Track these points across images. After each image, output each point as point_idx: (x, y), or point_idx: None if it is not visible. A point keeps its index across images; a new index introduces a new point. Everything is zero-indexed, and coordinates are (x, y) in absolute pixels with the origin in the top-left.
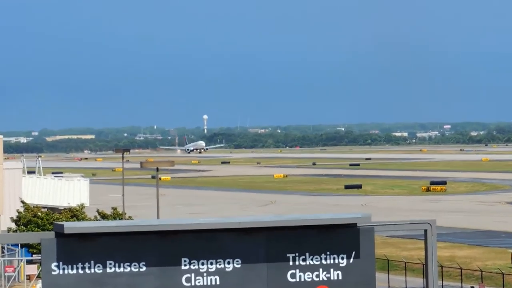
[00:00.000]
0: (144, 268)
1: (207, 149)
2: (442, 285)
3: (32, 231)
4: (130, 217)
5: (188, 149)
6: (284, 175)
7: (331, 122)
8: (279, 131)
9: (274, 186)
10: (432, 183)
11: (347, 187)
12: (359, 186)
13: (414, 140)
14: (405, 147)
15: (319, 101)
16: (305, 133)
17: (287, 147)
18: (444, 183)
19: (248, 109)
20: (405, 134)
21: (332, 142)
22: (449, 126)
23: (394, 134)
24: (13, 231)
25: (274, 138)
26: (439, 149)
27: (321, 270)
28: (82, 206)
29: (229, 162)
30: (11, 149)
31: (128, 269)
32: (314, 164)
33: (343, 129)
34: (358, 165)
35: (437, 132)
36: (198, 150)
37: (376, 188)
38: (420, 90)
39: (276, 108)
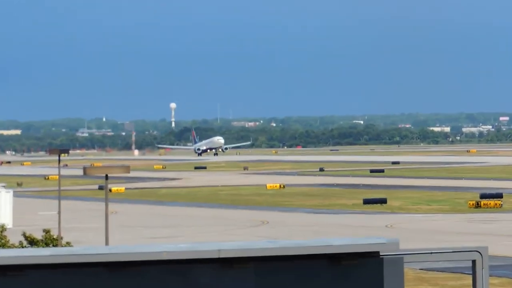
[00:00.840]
0: None
1: (226, 148)
2: None
3: None
4: (68, 243)
5: (198, 149)
6: (280, 185)
7: (345, 113)
8: (274, 124)
9: (267, 200)
10: (484, 196)
11: (366, 201)
12: (383, 201)
13: (458, 137)
14: (447, 146)
15: (328, 86)
16: (309, 127)
17: (285, 147)
18: (499, 196)
19: (232, 95)
20: (447, 129)
21: (346, 140)
22: (506, 119)
23: (431, 129)
24: None
25: (267, 134)
26: (493, 149)
27: None
28: (2, 228)
29: (205, 168)
30: None
31: None
32: (321, 170)
33: (361, 122)
34: (382, 171)
35: (491, 127)
36: (214, 150)
37: (406, 204)
38: (466, 71)
39: (270, 95)
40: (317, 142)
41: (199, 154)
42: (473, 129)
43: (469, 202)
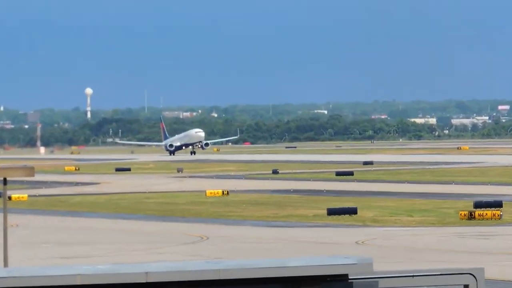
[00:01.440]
0: None
1: (207, 144)
2: None
3: None
4: None
5: (170, 146)
6: (224, 192)
7: (304, 101)
8: (215, 115)
9: (206, 210)
10: (479, 205)
11: (332, 212)
12: (353, 211)
13: (447, 131)
14: (432, 142)
15: (283, 68)
16: (260, 118)
17: (229, 143)
18: (498, 205)
19: (163, 80)
20: (432, 120)
21: (306, 135)
22: (506, 107)
23: (412, 120)
24: None
25: (207, 126)
26: (490, 146)
27: None
28: None
29: (129, 169)
30: None
31: None
32: (275, 172)
33: (325, 112)
34: (351, 173)
35: (487, 118)
36: (191, 147)
37: (381, 214)
38: (455, 50)
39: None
40: (269, 137)
41: (172, 153)
42: (465, 121)
43: (461, 212)
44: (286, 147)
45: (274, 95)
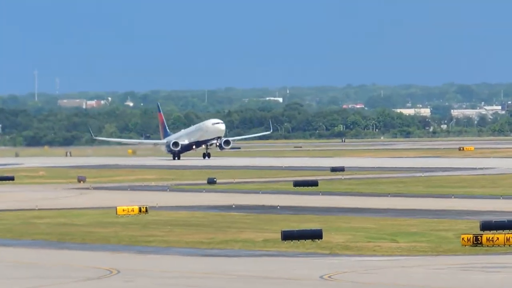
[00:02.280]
0: None
1: (227, 143)
2: None
3: None
4: None
5: (174, 144)
6: (141, 209)
7: (253, 85)
8: (131, 103)
9: (117, 234)
10: (487, 226)
11: (288, 235)
12: (317, 234)
13: (445, 125)
14: (425, 141)
15: (222, 43)
16: (192, 108)
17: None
18: None
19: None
20: (425, 111)
21: (255, 130)
22: None
23: (398, 111)
24: None
25: (120, 120)
26: (502, 147)
27: None
28: None
29: (12, 178)
30: None
31: None
32: (212, 181)
33: (280, 99)
34: (314, 183)
35: (500, 107)
36: (205, 146)
37: (355, 238)
38: (456, 19)
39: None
40: None
41: (176, 155)
42: (470, 112)
43: (463, 236)
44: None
45: (211, 78)
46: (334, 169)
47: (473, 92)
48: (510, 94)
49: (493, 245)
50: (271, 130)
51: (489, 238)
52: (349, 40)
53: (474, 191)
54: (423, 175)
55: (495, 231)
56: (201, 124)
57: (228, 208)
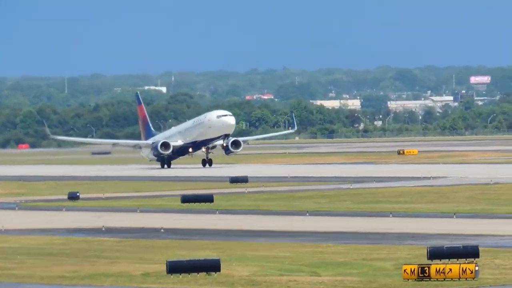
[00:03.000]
0: None
1: (236, 143)
2: None
3: None
4: None
5: (161, 146)
6: None
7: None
8: None
9: None
10: (436, 254)
11: (175, 267)
12: (213, 265)
13: (379, 121)
14: (353, 142)
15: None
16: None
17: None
18: (470, 253)
19: None
20: (354, 103)
21: (129, 130)
22: (486, 80)
23: (318, 103)
24: None
25: None
26: (457, 149)
27: None
28: None
29: None
30: None
31: None
32: (74, 196)
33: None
34: (208, 199)
35: (452, 98)
36: (208, 149)
37: (263, 271)
38: None
39: None
40: (66, 134)
41: (165, 161)
42: (412, 104)
43: (405, 267)
44: (93, 153)
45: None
46: (234, 180)
47: (416, 78)
48: (464, 81)
49: (444, 279)
50: (295, 127)
51: (439, 269)
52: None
53: (418, 208)
54: (351, 187)
55: (447, 260)
56: (201, 117)
57: (97, 231)
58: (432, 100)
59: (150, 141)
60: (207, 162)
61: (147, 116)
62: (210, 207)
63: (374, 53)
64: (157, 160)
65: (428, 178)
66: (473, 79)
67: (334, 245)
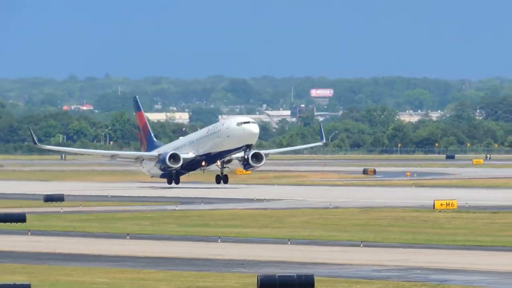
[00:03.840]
0: None
1: (257, 156)
2: None
3: None
4: None
5: (170, 159)
6: None
7: None
8: None
9: None
10: (267, 283)
11: None
12: None
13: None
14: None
15: None
16: None
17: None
18: (308, 283)
19: None
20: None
21: None
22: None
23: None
24: None
25: None
26: (289, 170)
27: None
28: None
29: None
30: None
31: None
32: None
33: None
34: (20, 219)
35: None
36: (223, 163)
37: None
38: None
39: None
40: None
41: (172, 177)
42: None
43: None
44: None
45: None
46: (48, 198)
47: (251, 90)
48: (304, 94)
49: None
50: (323, 139)
51: None
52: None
53: (250, 233)
54: (177, 208)
55: None
56: (217, 125)
57: None
58: (268, 114)
59: (155, 152)
60: (221, 178)
61: (148, 124)
62: (22, 227)
63: (206, 61)
64: (162, 176)
65: (262, 200)
66: (314, 92)
67: (156, 272)
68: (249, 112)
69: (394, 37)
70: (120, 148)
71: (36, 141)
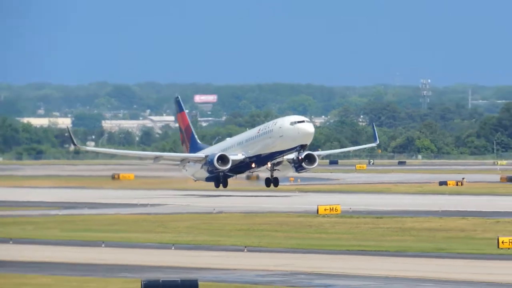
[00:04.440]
0: None
1: (310, 158)
2: None
3: None
4: None
5: (218, 160)
6: None
7: None
8: None
9: None
10: (149, 287)
11: None
12: None
13: (92, 142)
14: (64, 165)
15: None
16: None
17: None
18: None
19: None
20: (65, 121)
21: None
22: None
23: (26, 121)
24: None
25: None
26: (175, 175)
27: None
28: None
29: None
30: None
31: None
32: None
33: None
34: None
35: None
36: (273, 166)
37: None
38: None
39: None
40: None
41: (220, 180)
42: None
43: None
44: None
45: None
46: None
47: (135, 95)
48: (187, 100)
49: None
50: (377, 141)
51: None
52: None
53: (134, 238)
54: (60, 213)
55: None
56: (269, 124)
57: None
58: (151, 119)
59: (201, 154)
60: (271, 181)
61: (191, 125)
62: None
63: (90, 67)
64: (208, 180)
65: (146, 205)
66: (198, 98)
67: (39, 276)
68: (132, 117)
69: (278, 44)
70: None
71: (75, 143)
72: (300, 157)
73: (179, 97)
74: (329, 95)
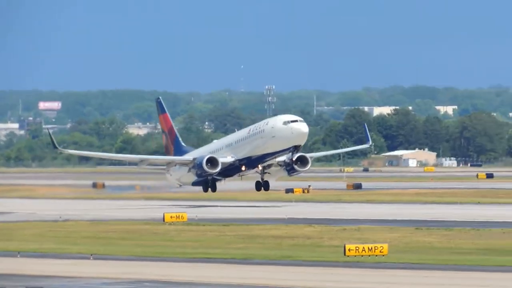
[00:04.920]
0: None
1: (302, 160)
2: None
3: None
4: None
5: (207, 163)
6: None
7: None
8: None
9: None
10: None
11: None
12: None
13: None
14: None
15: None
16: None
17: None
18: None
19: None
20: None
21: None
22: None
23: None
24: None
25: None
26: (22, 182)
27: None
28: None
29: None
30: None
31: None
32: None
33: None
34: None
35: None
36: (263, 169)
37: None
38: None
39: None
40: None
41: (209, 184)
42: None
43: None
44: None
45: None
46: None
47: None
48: (31, 107)
49: None
50: (369, 141)
51: None
52: None
53: None
54: None
55: None
56: (260, 124)
57: None
58: None
59: (189, 156)
60: (262, 185)
61: (174, 127)
62: None
63: None
64: (195, 184)
65: None
66: (42, 105)
67: None
68: None
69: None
70: None
71: (56, 145)
72: (293, 158)
73: (160, 98)
74: (174, 101)
